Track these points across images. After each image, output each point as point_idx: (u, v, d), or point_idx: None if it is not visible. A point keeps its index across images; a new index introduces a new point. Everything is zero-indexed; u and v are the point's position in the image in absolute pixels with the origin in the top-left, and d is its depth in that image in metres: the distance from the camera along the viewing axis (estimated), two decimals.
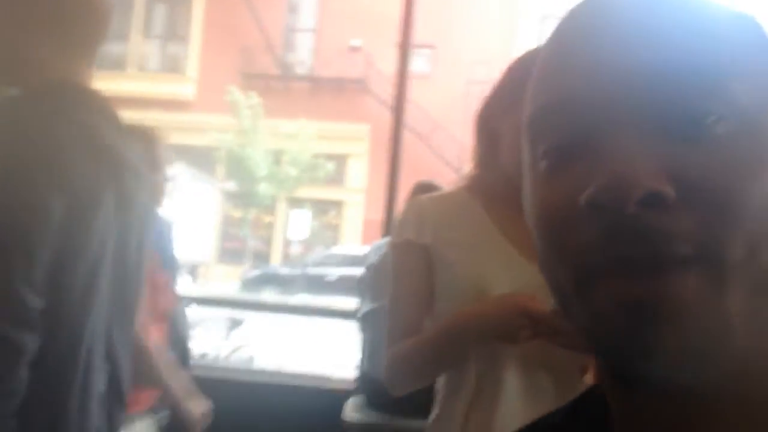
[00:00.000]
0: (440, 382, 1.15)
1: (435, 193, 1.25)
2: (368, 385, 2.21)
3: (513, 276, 1.04)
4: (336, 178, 15.77)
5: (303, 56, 16.79)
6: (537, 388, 1.04)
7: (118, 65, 15.87)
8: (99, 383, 1.14)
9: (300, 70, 16.75)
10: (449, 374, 1.12)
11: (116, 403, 1.22)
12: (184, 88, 16.16)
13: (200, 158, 14.76)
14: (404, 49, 3.14)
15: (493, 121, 1.11)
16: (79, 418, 1.09)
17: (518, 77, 1.04)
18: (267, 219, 16.22)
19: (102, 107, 1.19)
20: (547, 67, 0.39)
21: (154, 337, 1.64)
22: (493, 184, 1.13)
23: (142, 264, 1.28)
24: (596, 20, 0.36)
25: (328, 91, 15.99)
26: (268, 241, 16.36)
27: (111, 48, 15.81)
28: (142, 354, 1.52)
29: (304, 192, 15.23)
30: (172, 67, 16.44)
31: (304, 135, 14.64)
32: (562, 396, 0.79)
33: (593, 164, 0.33)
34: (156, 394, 1.68)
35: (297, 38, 16.89)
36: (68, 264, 1.05)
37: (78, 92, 1.16)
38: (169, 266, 1.93)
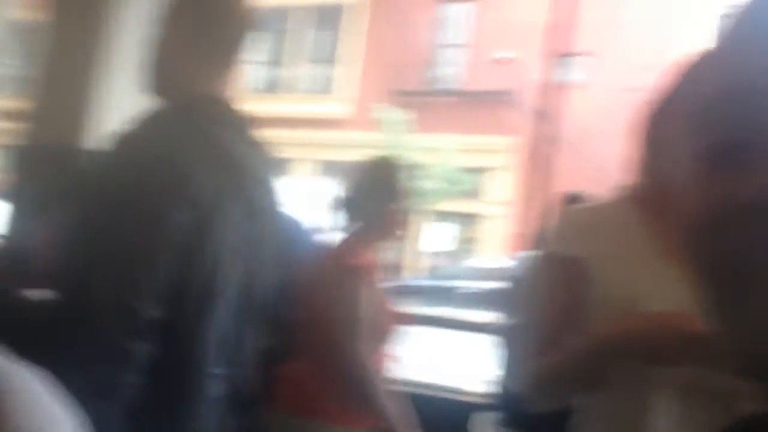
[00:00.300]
0: (580, 404, 1.07)
1: (589, 204, 1.18)
2: (506, 402, 2.15)
3: (668, 294, 0.95)
4: (477, 192, 15.65)
5: (452, 71, 16.92)
6: (689, 418, 0.95)
7: (271, 88, 16.98)
8: (217, 389, 1.16)
9: (449, 85, 16.88)
10: (590, 396, 1.04)
11: (237, 408, 1.24)
12: (335, 107, 16.91)
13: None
14: (553, 58, 3.06)
15: (659, 127, 1.04)
16: (194, 423, 1.12)
17: (686, 81, 0.97)
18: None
19: (235, 121, 1.22)
20: (723, 57, 0.35)
21: (374, 360, 1.69)
22: (655, 193, 1.04)
23: (270, 271, 1.30)
24: None
25: (478, 105, 15.94)
26: (402, 254, 16.59)
27: (267, 71, 16.99)
28: (364, 377, 1.61)
29: (445, 205, 15.29)
30: (324, 87, 17.28)
31: (447, 149, 14.69)
32: (717, 427, 0.73)
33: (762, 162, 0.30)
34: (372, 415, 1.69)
35: (446, 53, 17.05)
36: (188, 275, 1.07)
37: (214, 107, 1.21)
38: None
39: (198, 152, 1.11)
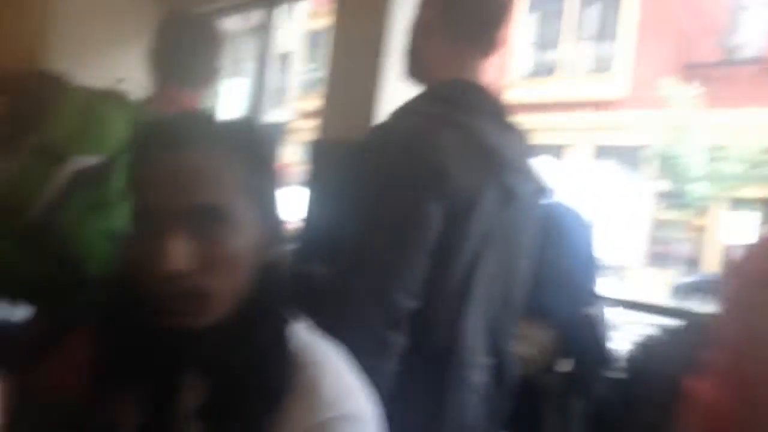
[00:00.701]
0: None
1: None
2: None
3: None
4: None
5: (750, 37, 14.69)
6: None
7: (548, 70, 16.52)
8: (478, 376, 1.14)
9: (747, 53, 14.70)
10: None
11: (500, 396, 1.22)
12: (613, 86, 15.87)
13: (630, 157, 14.31)
14: None
15: None
16: (456, 411, 1.11)
17: None
18: (700, 222, 14.77)
19: (489, 105, 1.17)
20: None
21: None
22: None
23: (529, 257, 1.25)
24: None
25: None
26: (699, 246, 14.91)
27: (541, 54, 16.59)
28: None
29: (749, 192, 13.33)
30: (603, 66, 16.31)
31: (750, 127, 12.82)
32: None
33: None
34: None
35: (743, 18, 14.88)
36: (444, 266, 1.06)
37: (467, 92, 1.16)
38: (587, 266, 1.88)
39: (453, 141, 1.08)
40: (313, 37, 18.10)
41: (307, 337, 0.74)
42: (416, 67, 1.24)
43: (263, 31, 3.32)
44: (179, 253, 0.65)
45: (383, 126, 1.14)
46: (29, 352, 1.03)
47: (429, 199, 1.02)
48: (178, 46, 1.58)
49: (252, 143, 0.73)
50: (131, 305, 0.72)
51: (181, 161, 0.68)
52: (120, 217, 1.18)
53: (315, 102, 4.11)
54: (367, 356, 0.79)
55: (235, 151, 0.71)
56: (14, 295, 1.29)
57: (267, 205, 0.74)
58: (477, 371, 1.14)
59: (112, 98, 1.32)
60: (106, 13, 3.89)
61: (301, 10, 17.97)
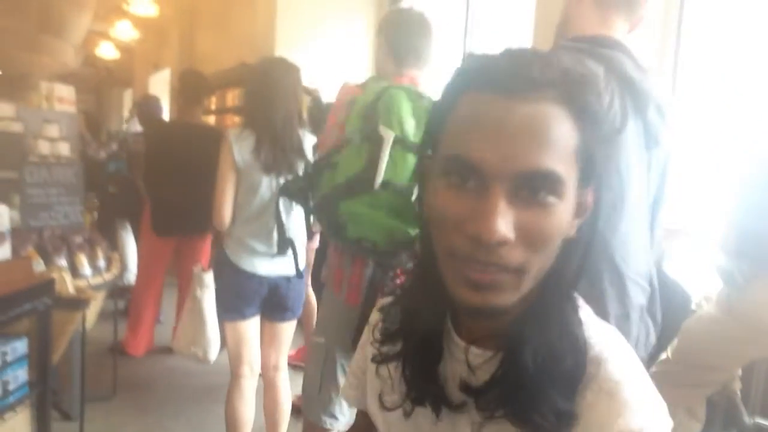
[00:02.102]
0: None
1: None
2: None
3: None
4: None
5: None
6: None
7: None
8: (639, 298, 1.30)
9: None
10: None
11: (653, 320, 1.40)
12: None
13: None
14: None
15: None
16: (621, 323, 1.25)
17: None
18: None
19: (627, 51, 1.30)
20: None
21: None
22: None
23: (663, 188, 1.41)
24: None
25: None
26: None
27: None
28: None
29: None
30: None
31: None
32: None
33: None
34: None
35: None
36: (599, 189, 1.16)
37: (607, 39, 1.31)
38: None
39: (596, 70, 1.20)
40: None
41: (598, 326, 0.68)
42: (565, 29, 1.40)
43: None
44: (508, 221, 0.57)
45: None
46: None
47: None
48: (415, 34, 1.88)
49: (588, 97, 0.61)
50: (436, 279, 0.65)
51: (521, 110, 0.57)
52: None
53: None
54: None
55: (573, 104, 0.59)
56: (386, 255, 1.72)
57: (588, 173, 0.63)
58: (639, 292, 1.31)
59: (421, 96, 1.69)
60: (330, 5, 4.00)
61: None
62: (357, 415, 0.97)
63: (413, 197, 1.59)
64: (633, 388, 0.60)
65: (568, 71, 0.60)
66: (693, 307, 2.65)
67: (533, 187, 0.58)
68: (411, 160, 1.61)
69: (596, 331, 0.66)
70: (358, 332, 1.75)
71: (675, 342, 2.42)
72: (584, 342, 0.63)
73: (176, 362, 3.83)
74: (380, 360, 0.78)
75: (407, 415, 0.73)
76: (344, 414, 1.91)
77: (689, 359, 2.33)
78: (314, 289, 3.59)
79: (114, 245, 4.26)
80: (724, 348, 2.26)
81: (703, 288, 2.69)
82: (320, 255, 3.46)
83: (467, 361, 0.68)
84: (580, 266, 0.66)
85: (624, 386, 0.60)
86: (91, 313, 2.76)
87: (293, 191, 1.99)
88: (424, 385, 0.71)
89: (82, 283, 2.74)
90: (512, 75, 0.59)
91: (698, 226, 2.84)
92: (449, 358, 0.72)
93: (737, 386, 2.48)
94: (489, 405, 0.63)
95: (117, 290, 3.60)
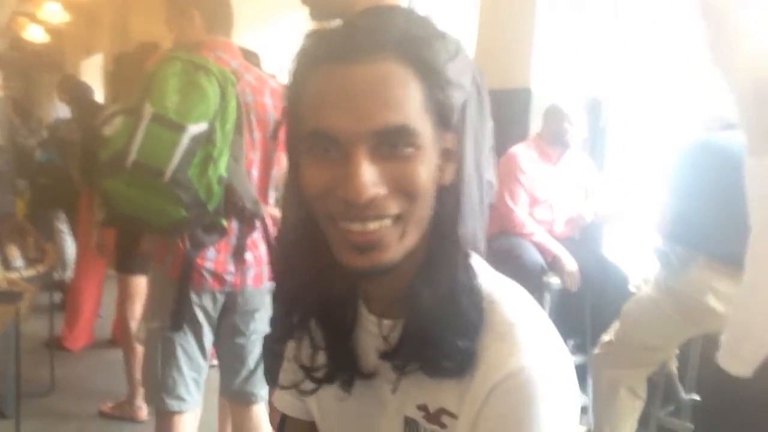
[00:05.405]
0: None
1: None
2: None
3: None
4: None
5: None
6: None
7: None
8: None
9: None
10: None
11: None
12: None
13: None
14: None
15: None
16: None
17: None
18: None
19: None
20: None
21: None
22: None
23: None
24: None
25: None
26: None
27: None
28: None
29: None
30: None
31: None
32: None
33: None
34: None
35: None
36: None
37: None
38: None
39: None
40: None
41: (489, 273, 0.71)
42: None
43: None
44: (375, 178, 0.61)
45: None
46: None
47: None
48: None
49: (427, 51, 0.63)
50: (315, 246, 0.69)
51: (362, 74, 0.60)
52: (224, 166, 1.67)
53: None
54: None
55: (412, 60, 0.62)
56: (160, 232, 1.76)
57: (445, 121, 0.65)
58: None
59: (204, 69, 1.65)
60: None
61: None
62: (288, 426, 0.95)
63: (167, 177, 1.57)
64: (525, 330, 0.64)
65: (405, 31, 0.63)
66: (633, 289, 2.75)
67: (390, 143, 0.61)
68: (167, 138, 1.58)
69: (489, 278, 0.70)
70: (177, 307, 1.76)
71: (616, 324, 2.50)
72: (478, 290, 0.67)
73: (116, 356, 3.72)
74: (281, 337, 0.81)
75: (345, 394, 0.76)
76: (191, 393, 1.87)
77: (630, 340, 2.42)
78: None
79: (49, 237, 4.09)
80: (662, 328, 2.35)
81: (642, 270, 2.79)
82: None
83: (381, 333, 0.71)
84: (456, 210, 0.67)
85: (516, 328, 0.64)
86: (25, 306, 2.65)
87: None
88: (339, 357, 0.75)
89: (13, 275, 2.62)
90: (350, 42, 0.62)
91: (636, 211, 2.94)
92: (361, 331, 0.75)
93: (674, 365, 2.59)
94: (402, 363, 0.67)
95: (53, 283, 3.46)
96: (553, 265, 2.81)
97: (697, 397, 2.54)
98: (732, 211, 1.48)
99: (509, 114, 3.09)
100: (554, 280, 2.80)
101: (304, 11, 1.08)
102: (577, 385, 0.66)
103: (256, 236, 1.86)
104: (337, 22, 0.67)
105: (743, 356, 1.24)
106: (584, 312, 2.95)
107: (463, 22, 3.51)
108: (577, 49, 3.15)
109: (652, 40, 3.09)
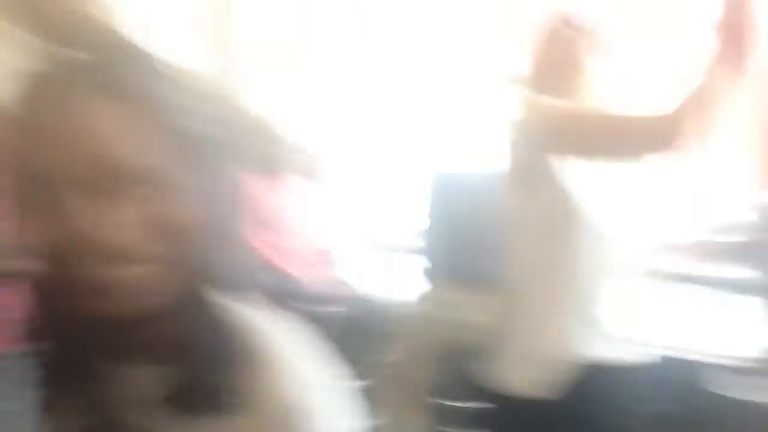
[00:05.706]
0: None
1: None
2: None
3: None
4: None
5: None
6: None
7: None
8: None
9: None
10: None
11: None
12: None
13: None
14: None
15: None
16: None
17: None
18: None
19: None
20: None
21: None
22: None
23: None
24: None
25: None
26: None
27: None
28: None
29: None
30: None
31: None
32: None
33: None
34: None
35: None
36: None
37: None
38: None
39: None
40: None
41: (253, 317, 0.70)
42: None
43: None
44: (120, 223, 0.57)
45: None
46: None
47: None
48: None
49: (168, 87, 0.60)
50: (62, 295, 0.62)
51: (78, 116, 0.55)
52: None
53: None
54: None
55: (146, 96, 0.58)
56: None
57: (207, 168, 0.63)
58: None
59: None
60: None
61: None
62: None
63: None
64: (281, 359, 0.66)
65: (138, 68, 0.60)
66: (403, 311, 2.91)
67: (126, 185, 0.57)
68: None
69: (244, 312, 0.69)
70: None
71: (392, 347, 2.65)
72: (232, 326, 0.66)
73: None
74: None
75: None
76: None
77: (406, 360, 2.60)
78: None
79: None
80: (434, 345, 2.57)
81: (411, 292, 2.98)
82: None
83: (136, 385, 0.67)
84: (203, 253, 0.64)
85: (273, 358, 0.66)
86: None
87: None
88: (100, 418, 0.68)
89: None
90: (73, 83, 0.57)
91: (405, 234, 3.12)
92: (114, 385, 0.69)
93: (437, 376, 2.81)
94: (168, 409, 0.64)
95: None
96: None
97: (458, 404, 2.72)
98: (469, 233, 1.68)
99: None
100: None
101: None
102: (357, 410, 0.69)
103: None
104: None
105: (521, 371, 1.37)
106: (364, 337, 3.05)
107: None
108: None
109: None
